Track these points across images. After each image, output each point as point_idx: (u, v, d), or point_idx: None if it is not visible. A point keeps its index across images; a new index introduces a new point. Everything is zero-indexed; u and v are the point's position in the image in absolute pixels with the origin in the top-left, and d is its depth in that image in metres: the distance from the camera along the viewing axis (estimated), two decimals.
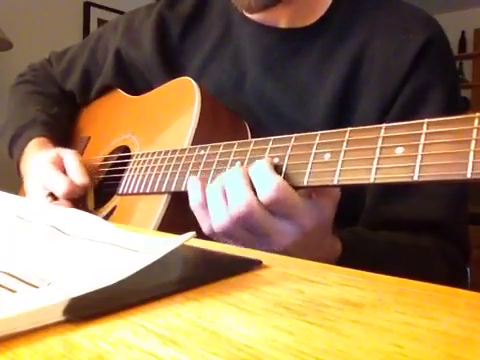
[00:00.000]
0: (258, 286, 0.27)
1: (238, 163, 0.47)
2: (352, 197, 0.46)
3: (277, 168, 0.44)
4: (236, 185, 0.43)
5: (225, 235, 0.45)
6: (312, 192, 0.44)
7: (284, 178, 0.42)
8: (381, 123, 0.39)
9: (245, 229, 0.44)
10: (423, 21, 0.65)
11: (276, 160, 0.44)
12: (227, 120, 0.65)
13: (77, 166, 0.69)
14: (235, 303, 0.24)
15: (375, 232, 0.57)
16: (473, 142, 0.32)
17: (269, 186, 0.41)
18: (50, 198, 0.67)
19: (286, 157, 0.44)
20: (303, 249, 0.44)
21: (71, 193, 0.66)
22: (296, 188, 0.42)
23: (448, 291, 0.26)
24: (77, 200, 0.69)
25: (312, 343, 0.19)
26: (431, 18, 0.66)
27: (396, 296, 0.26)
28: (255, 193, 0.42)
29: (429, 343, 0.19)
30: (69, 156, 0.71)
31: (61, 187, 0.66)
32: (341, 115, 0.63)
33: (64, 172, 0.69)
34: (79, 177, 0.67)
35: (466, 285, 0.62)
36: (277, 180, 0.41)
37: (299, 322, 0.21)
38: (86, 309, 0.22)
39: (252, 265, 0.31)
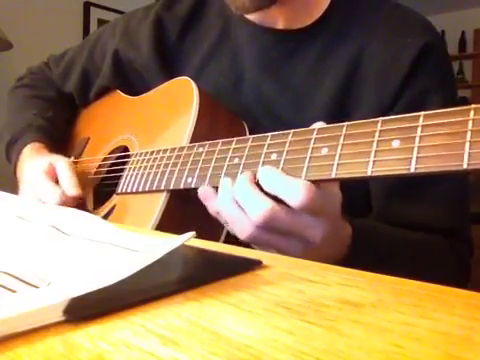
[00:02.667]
0: (258, 286, 0.27)
1: (245, 174, 0.45)
2: (353, 197, 0.46)
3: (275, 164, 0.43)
4: (250, 197, 0.42)
5: (253, 243, 0.44)
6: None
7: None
8: None
9: (272, 233, 0.43)
10: (421, 25, 0.65)
11: (274, 156, 0.44)
12: (225, 119, 0.65)
13: (69, 176, 0.67)
14: (235, 303, 0.24)
15: (384, 224, 0.58)
16: (469, 133, 0.32)
17: (297, 191, 0.40)
18: None
19: (284, 152, 0.44)
20: (330, 239, 0.43)
21: (62, 204, 0.65)
22: None
23: (448, 291, 0.26)
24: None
25: (312, 343, 0.19)
26: (429, 22, 0.66)
27: (396, 296, 0.26)
28: (273, 198, 0.42)
29: (429, 343, 0.19)
30: (62, 165, 0.69)
31: (52, 198, 0.65)
32: (338, 117, 0.63)
33: (56, 181, 0.68)
34: (71, 189, 0.66)
35: (467, 282, 0.63)
36: (303, 182, 0.40)
37: (299, 322, 0.21)
38: (86, 309, 0.22)
39: (252, 265, 0.31)
